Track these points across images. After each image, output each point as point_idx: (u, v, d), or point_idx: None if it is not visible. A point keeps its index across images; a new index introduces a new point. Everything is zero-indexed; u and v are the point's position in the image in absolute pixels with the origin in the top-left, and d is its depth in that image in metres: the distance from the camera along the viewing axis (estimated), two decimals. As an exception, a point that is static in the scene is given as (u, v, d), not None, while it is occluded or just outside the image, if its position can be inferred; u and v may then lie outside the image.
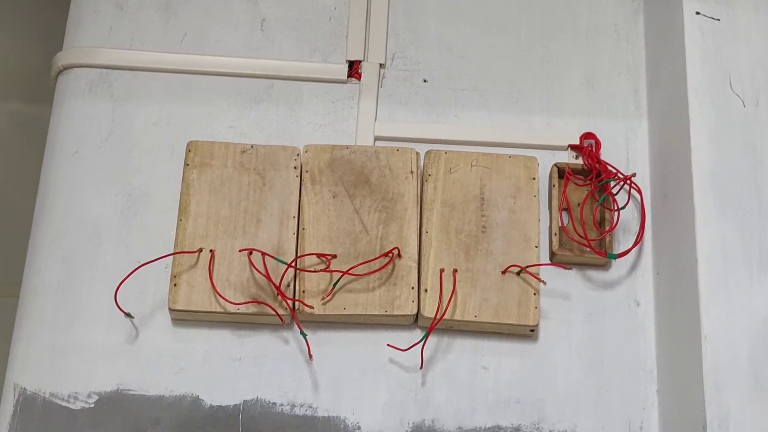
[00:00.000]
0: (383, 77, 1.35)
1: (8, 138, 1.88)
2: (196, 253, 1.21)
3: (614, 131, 1.33)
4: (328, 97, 1.33)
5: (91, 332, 1.20)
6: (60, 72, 1.34)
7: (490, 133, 1.32)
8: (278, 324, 1.20)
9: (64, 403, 1.17)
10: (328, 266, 1.20)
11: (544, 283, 1.21)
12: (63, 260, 1.23)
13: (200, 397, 1.18)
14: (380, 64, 1.35)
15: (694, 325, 1.12)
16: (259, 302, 1.18)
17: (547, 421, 1.19)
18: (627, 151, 1.32)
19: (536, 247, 1.23)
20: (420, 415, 1.19)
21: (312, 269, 1.20)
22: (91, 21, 1.36)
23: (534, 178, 1.26)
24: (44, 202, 1.27)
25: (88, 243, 1.24)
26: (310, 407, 1.18)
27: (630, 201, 1.27)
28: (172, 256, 1.20)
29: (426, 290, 1.20)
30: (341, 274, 1.19)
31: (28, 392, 1.18)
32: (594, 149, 1.30)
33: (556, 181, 1.28)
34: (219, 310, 1.18)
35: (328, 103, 1.33)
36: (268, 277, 1.18)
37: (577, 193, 1.28)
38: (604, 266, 1.25)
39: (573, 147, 1.31)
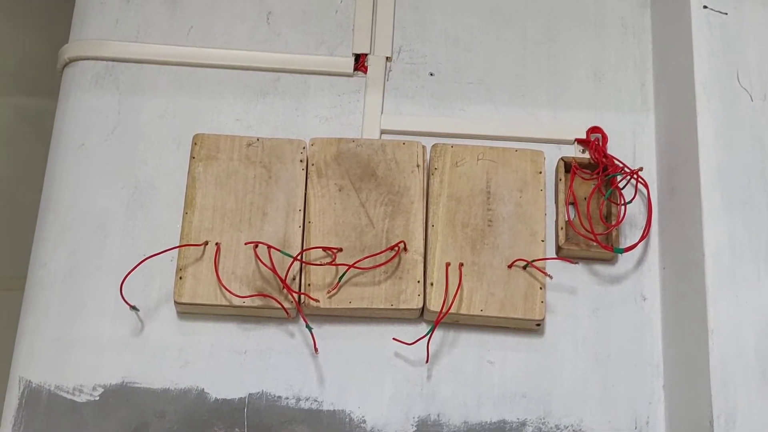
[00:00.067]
0: (389, 70, 1.35)
1: (14, 131, 1.88)
2: (202, 246, 1.20)
3: (621, 125, 1.33)
4: (334, 90, 1.33)
5: (97, 325, 1.20)
6: (66, 64, 1.34)
7: (496, 127, 1.32)
8: (284, 317, 1.20)
9: (69, 396, 1.17)
10: (333, 260, 1.20)
11: (551, 277, 1.21)
12: (68, 253, 1.23)
13: (205, 390, 1.18)
14: (387, 58, 1.35)
15: (701, 320, 1.12)
16: (265, 295, 1.18)
17: (553, 416, 1.19)
18: (634, 145, 1.32)
19: (542, 241, 1.22)
20: (426, 409, 1.18)
21: (318, 263, 1.20)
22: (97, 13, 1.36)
23: (540, 172, 1.26)
24: (50, 194, 1.27)
25: (94, 236, 1.24)
26: (316, 401, 1.18)
27: (637, 195, 1.26)
28: (177, 249, 1.20)
29: (432, 284, 1.20)
30: (347, 267, 1.19)
31: (33, 385, 1.18)
32: (601, 143, 1.30)
33: (562, 175, 1.27)
34: (224, 303, 1.18)
35: (335, 96, 1.32)
36: (273, 270, 1.18)
37: (584, 187, 1.27)
38: (610, 260, 1.25)
39: (580, 141, 1.31)
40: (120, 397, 1.17)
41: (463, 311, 1.19)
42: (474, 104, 1.33)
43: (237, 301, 1.18)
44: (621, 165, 1.27)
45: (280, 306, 1.18)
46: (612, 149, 1.30)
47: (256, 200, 1.23)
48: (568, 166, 1.28)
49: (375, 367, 1.20)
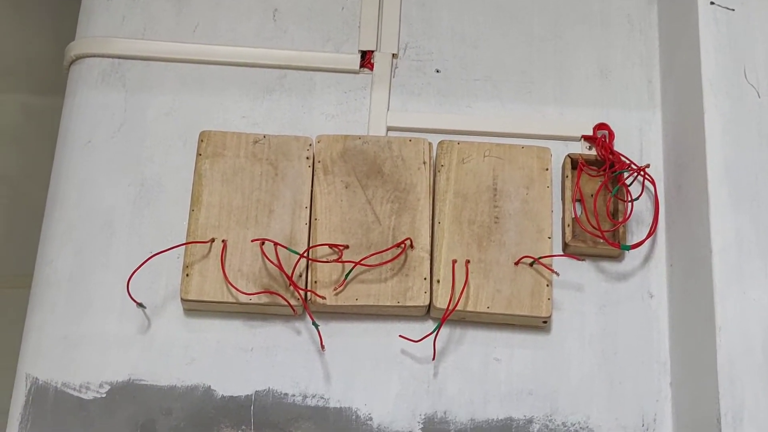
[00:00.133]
0: (396, 67, 1.34)
1: (20, 129, 1.88)
2: (209, 243, 1.20)
3: (628, 122, 1.32)
4: (340, 87, 1.33)
5: (103, 322, 1.20)
6: (72, 62, 1.34)
7: (502, 124, 1.32)
8: (290, 314, 1.20)
9: (76, 393, 1.17)
10: (340, 257, 1.20)
11: (557, 274, 1.21)
12: (75, 250, 1.23)
13: (212, 387, 1.18)
14: (393, 54, 1.35)
15: (708, 317, 1.12)
16: (272, 293, 1.18)
17: (560, 413, 1.18)
18: (640, 141, 1.31)
19: (549, 238, 1.22)
20: (432, 406, 1.18)
21: (324, 260, 1.20)
22: (103, 10, 1.36)
23: (547, 169, 1.25)
24: (56, 192, 1.27)
25: (101, 233, 1.24)
26: (322, 398, 1.18)
27: (643, 192, 1.26)
28: (184, 246, 1.20)
29: (438, 281, 1.20)
30: (353, 264, 1.19)
31: (40, 382, 1.18)
32: (607, 140, 1.30)
33: (569, 172, 1.27)
34: (231, 300, 1.18)
35: (341, 93, 1.32)
36: (280, 267, 1.18)
37: (591, 184, 1.27)
38: (617, 257, 1.25)
39: (586, 138, 1.31)
40: (127, 394, 1.17)
41: (469, 308, 1.19)
42: (480, 101, 1.33)
43: (243, 298, 1.18)
44: (628, 162, 1.27)
45: (286, 303, 1.18)
46: (619, 146, 1.30)
47: (262, 197, 1.23)
48: (575, 163, 1.28)
49: (381, 365, 1.20)
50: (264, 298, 1.18)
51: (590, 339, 1.22)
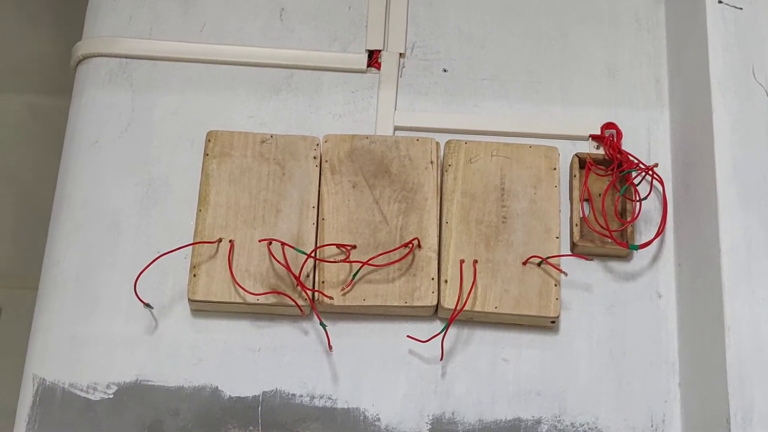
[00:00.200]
0: (403, 67, 1.34)
1: (27, 129, 1.88)
2: (216, 244, 1.20)
3: (635, 121, 1.32)
4: (347, 86, 1.33)
5: (111, 323, 1.20)
6: (79, 62, 1.34)
7: (510, 123, 1.32)
8: (298, 315, 1.20)
9: (83, 394, 1.17)
10: (347, 257, 1.20)
11: (565, 274, 1.20)
12: (82, 251, 1.23)
13: (219, 388, 1.18)
14: (400, 54, 1.34)
15: (717, 317, 1.11)
16: (279, 293, 1.18)
17: (568, 414, 1.18)
18: (648, 141, 1.31)
19: (557, 237, 1.22)
20: (440, 407, 1.18)
21: (331, 260, 1.20)
22: (110, 10, 1.36)
23: (555, 168, 1.25)
24: (63, 192, 1.27)
25: (108, 233, 1.24)
26: (330, 398, 1.18)
27: (652, 191, 1.26)
28: (191, 247, 1.20)
29: (446, 281, 1.19)
30: (361, 264, 1.19)
31: (48, 383, 1.18)
32: (615, 139, 1.29)
33: (577, 172, 1.27)
34: (238, 300, 1.18)
35: (348, 92, 1.32)
36: (287, 267, 1.18)
37: (599, 184, 1.27)
38: (625, 257, 1.25)
39: (594, 137, 1.30)
40: (134, 395, 1.17)
41: (477, 308, 1.19)
42: (488, 100, 1.33)
43: (251, 299, 1.18)
44: (636, 161, 1.26)
45: (294, 303, 1.18)
46: (626, 145, 1.30)
47: (269, 197, 1.23)
48: (583, 162, 1.27)
49: (389, 365, 1.19)
50: (271, 299, 1.18)
51: (598, 339, 1.21)
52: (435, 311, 1.20)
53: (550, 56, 1.36)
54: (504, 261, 1.20)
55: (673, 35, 1.35)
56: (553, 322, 1.20)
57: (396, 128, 1.30)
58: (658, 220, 1.26)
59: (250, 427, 1.16)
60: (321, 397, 1.18)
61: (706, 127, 1.19)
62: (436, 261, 1.20)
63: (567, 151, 1.28)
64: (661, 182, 1.26)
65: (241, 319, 1.20)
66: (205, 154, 1.25)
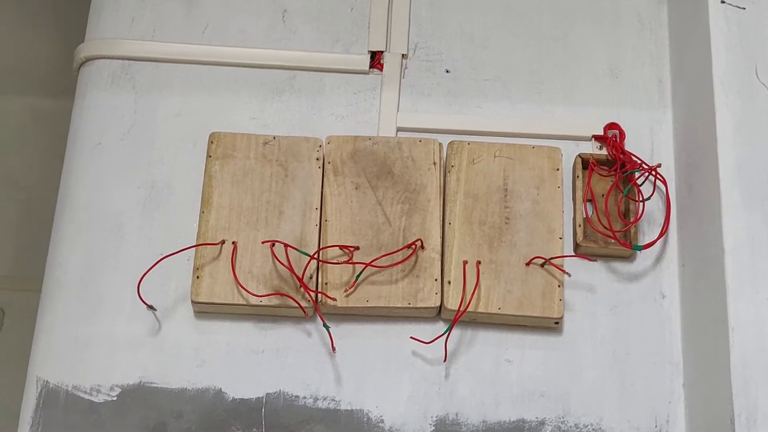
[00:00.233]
0: (405, 68, 1.34)
1: (30, 131, 1.88)
2: (219, 245, 1.20)
3: (638, 121, 1.32)
4: (350, 88, 1.32)
5: (114, 325, 1.20)
6: (82, 64, 1.34)
7: (512, 124, 1.31)
8: (301, 316, 1.20)
9: (86, 396, 1.17)
10: (350, 258, 1.20)
11: (569, 274, 1.20)
12: (85, 253, 1.23)
13: (223, 389, 1.18)
14: (402, 55, 1.34)
15: (721, 317, 1.11)
16: (282, 294, 1.18)
17: (572, 415, 1.18)
18: (651, 141, 1.31)
19: (560, 238, 1.22)
20: (444, 408, 1.18)
21: (335, 261, 1.20)
22: (112, 12, 1.36)
23: (558, 169, 1.25)
24: (66, 194, 1.27)
25: (111, 235, 1.24)
26: (333, 400, 1.18)
27: (655, 192, 1.26)
28: (194, 249, 1.20)
29: (449, 282, 1.19)
30: (364, 266, 1.19)
31: (51, 385, 1.18)
32: (618, 140, 1.29)
33: (580, 172, 1.27)
34: (242, 302, 1.18)
35: (350, 94, 1.32)
36: (290, 269, 1.18)
37: (602, 184, 1.27)
38: (629, 258, 1.25)
39: (597, 137, 1.30)
40: (137, 396, 1.17)
41: (480, 309, 1.19)
42: (490, 101, 1.33)
43: (254, 300, 1.18)
44: (639, 161, 1.26)
45: (297, 305, 1.18)
46: (629, 146, 1.30)
47: (272, 199, 1.23)
48: (586, 163, 1.27)
49: (393, 366, 1.19)
50: (274, 300, 1.18)
51: (602, 340, 1.21)
52: (438, 312, 1.20)
53: (552, 57, 1.36)
54: (507, 262, 1.20)
55: (676, 35, 1.35)
56: (556, 323, 1.20)
57: (399, 129, 1.30)
58: (662, 220, 1.26)
59: (254, 429, 1.16)
60: (324, 399, 1.18)
61: (709, 127, 1.19)
62: (440, 262, 1.20)
63: (570, 152, 1.28)
64: (664, 182, 1.26)
65: (244, 321, 1.20)
66: (208, 156, 1.25)
